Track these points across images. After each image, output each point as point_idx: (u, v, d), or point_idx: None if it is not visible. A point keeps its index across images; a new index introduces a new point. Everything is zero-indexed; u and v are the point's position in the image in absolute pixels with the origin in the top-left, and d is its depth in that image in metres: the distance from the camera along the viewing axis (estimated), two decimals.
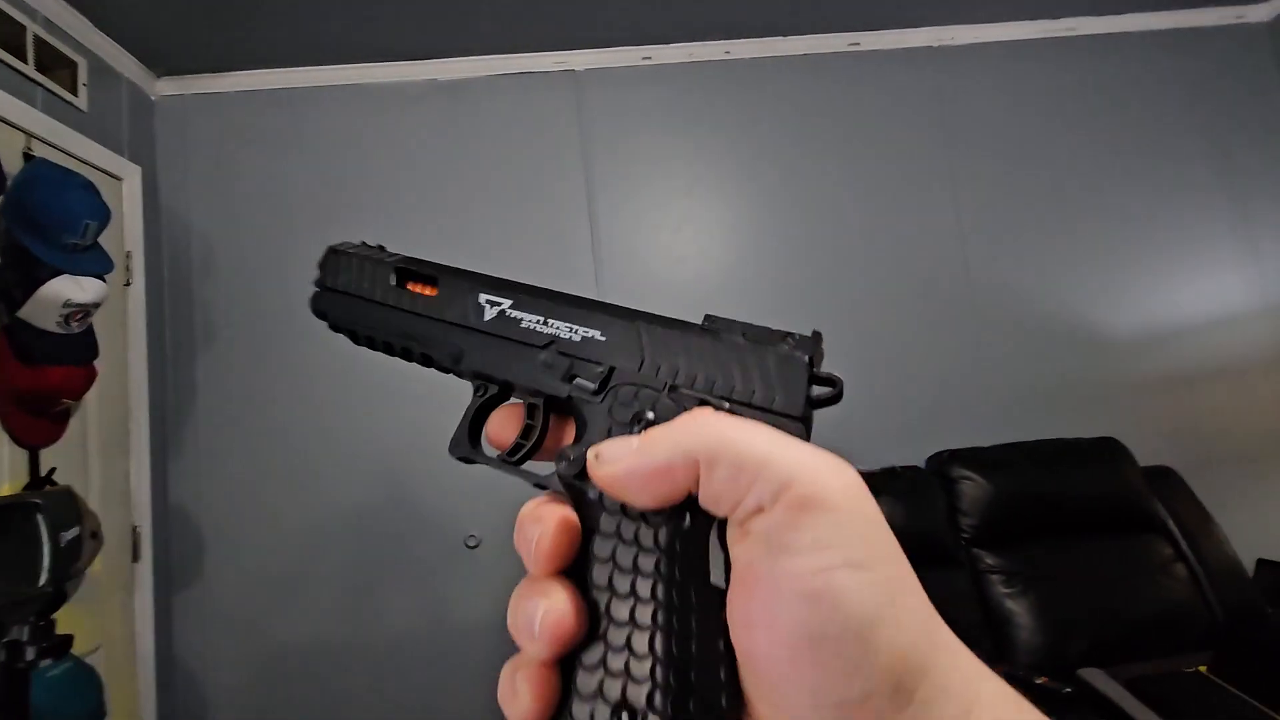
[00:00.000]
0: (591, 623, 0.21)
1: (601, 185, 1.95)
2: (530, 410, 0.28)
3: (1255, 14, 2.13)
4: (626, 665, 0.20)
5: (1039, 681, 1.33)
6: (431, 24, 1.79)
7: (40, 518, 0.76)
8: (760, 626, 0.19)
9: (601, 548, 0.22)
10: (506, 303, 0.29)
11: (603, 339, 0.27)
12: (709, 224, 1.98)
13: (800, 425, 0.22)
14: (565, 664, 0.21)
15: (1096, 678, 1.37)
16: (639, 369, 0.25)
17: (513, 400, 0.29)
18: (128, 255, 1.65)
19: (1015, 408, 1.92)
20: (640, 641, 0.20)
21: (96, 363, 1.37)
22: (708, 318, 0.26)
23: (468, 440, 0.29)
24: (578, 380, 0.26)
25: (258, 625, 1.76)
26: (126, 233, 1.66)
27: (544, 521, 0.22)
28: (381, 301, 0.32)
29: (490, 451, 0.29)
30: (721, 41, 1.99)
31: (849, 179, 2.00)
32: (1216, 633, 1.53)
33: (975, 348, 1.95)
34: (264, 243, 1.88)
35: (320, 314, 0.35)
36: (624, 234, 1.94)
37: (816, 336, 0.24)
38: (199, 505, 1.79)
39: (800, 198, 1.99)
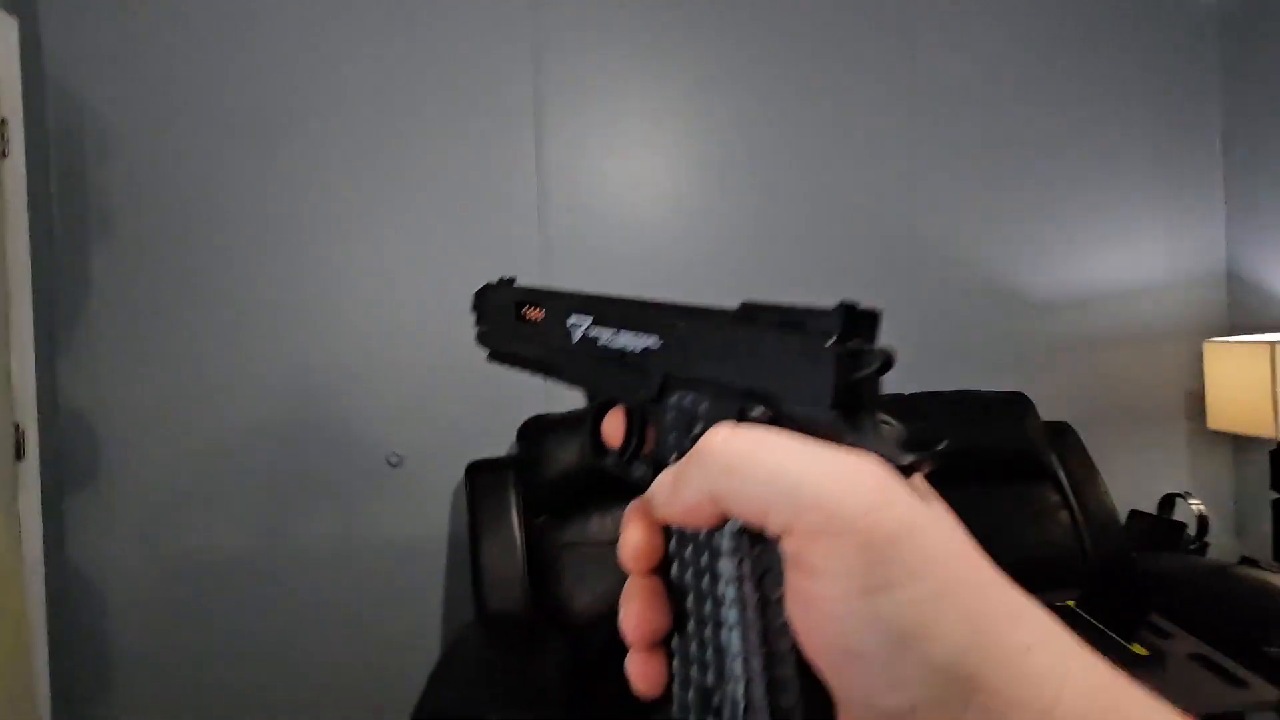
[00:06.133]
0: (679, 617, 0.23)
1: (550, 100, 1.84)
2: (629, 415, 0.30)
3: None
4: (712, 655, 0.22)
5: None
6: None
7: None
8: (803, 632, 0.19)
9: (678, 548, 0.24)
10: (587, 321, 0.32)
11: (658, 346, 0.27)
12: (662, 151, 1.92)
13: (831, 415, 0.21)
14: (667, 648, 0.24)
15: None
16: (688, 373, 0.26)
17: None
18: (2, 121, 1.46)
19: (939, 359, 1.99)
20: (720, 635, 0.22)
21: None
22: (742, 305, 0.25)
23: (591, 445, 0.32)
24: (641, 391, 0.28)
25: (163, 535, 1.70)
26: (1, 95, 1.46)
27: (627, 528, 0.25)
28: (513, 334, 0.38)
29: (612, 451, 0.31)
30: None
31: (808, 120, 1.96)
32: (1087, 572, 1.68)
33: (909, 300, 2.00)
34: (174, 130, 1.70)
35: (484, 346, 0.41)
36: (571, 153, 1.86)
37: (842, 308, 0.22)
38: (95, 408, 1.67)
39: (756, 134, 1.94)
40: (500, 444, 1.79)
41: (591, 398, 0.32)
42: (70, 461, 1.66)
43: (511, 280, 0.40)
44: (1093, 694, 0.18)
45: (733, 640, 0.21)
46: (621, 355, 0.29)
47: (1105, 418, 2.05)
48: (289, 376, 1.74)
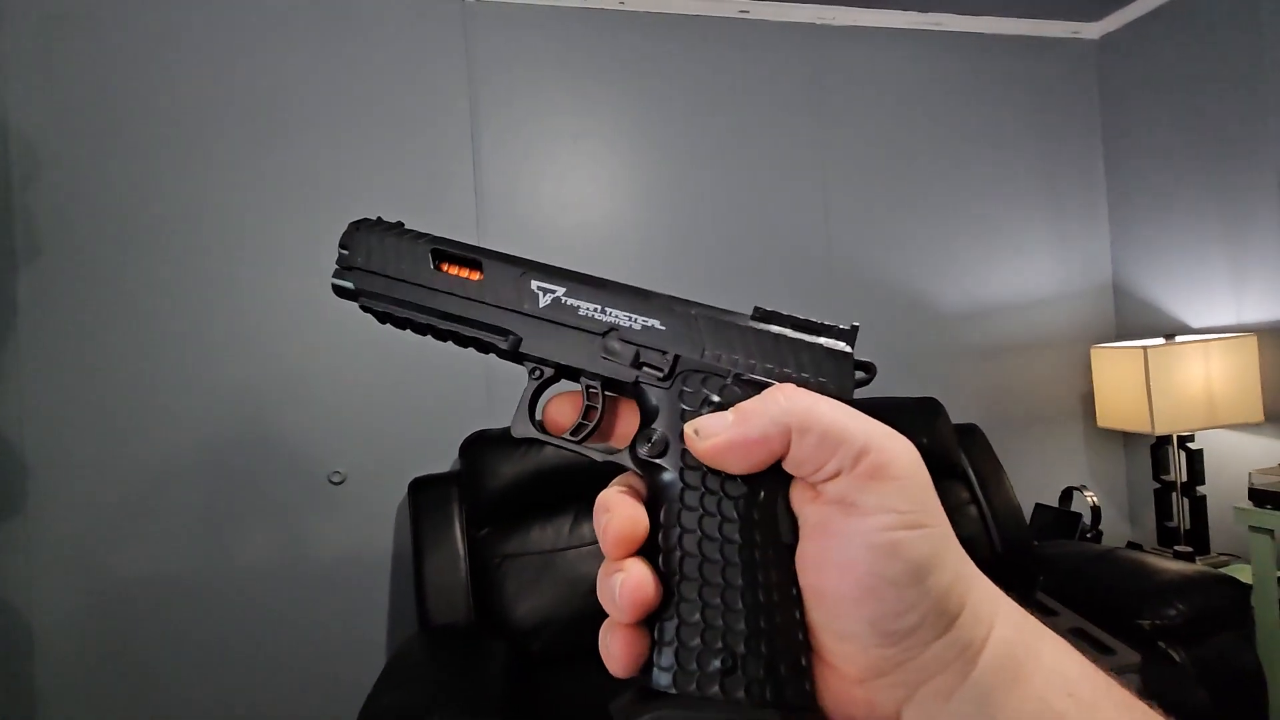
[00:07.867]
0: (677, 587, 0.24)
1: (486, 123, 1.92)
2: (590, 394, 0.29)
3: (1088, 31, 2.40)
4: (724, 618, 0.23)
5: None
6: None
7: None
8: (833, 568, 0.22)
9: (688, 519, 0.24)
10: (560, 290, 0.30)
11: (662, 328, 0.28)
12: (593, 174, 2.01)
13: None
14: (650, 623, 0.24)
15: None
16: (701, 357, 0.27)
17: (565, 385, 0.31)
18: None
19: None
20: (734, 597, 0.23)
21: None
22: (756, 309, 0.28)
23: (529, 420, 0.30)
24: (645, 367, 0.28)
25: (94, 559, 1.67)
26: None
27: (612, 510, 0.25)
28: (422, 284, 0.31)
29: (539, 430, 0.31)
30: None
31: (729, 145, 2.09)
32: (994, 560, 1.83)
33: (830, 317, 2.12)
34: (104, 152, 1.70)
35: (348, 294, 0.33)
36: (508, 176, 1.93)
37: (854, 329, 0.28)
38: (22, 431, 1.64)
39: (680, 157, 2.06)
40: (442, 460, 1.83)
41: (542, 366, 0.30)
42: None
43: (399, 224, 0.33)
44: (1013, 613, 0.24)
45: (746, 599, 0.23)
46: (613, 329, 0.29)
47: (1009, 419, 2.23)
48: (226, 397, 1.74)
